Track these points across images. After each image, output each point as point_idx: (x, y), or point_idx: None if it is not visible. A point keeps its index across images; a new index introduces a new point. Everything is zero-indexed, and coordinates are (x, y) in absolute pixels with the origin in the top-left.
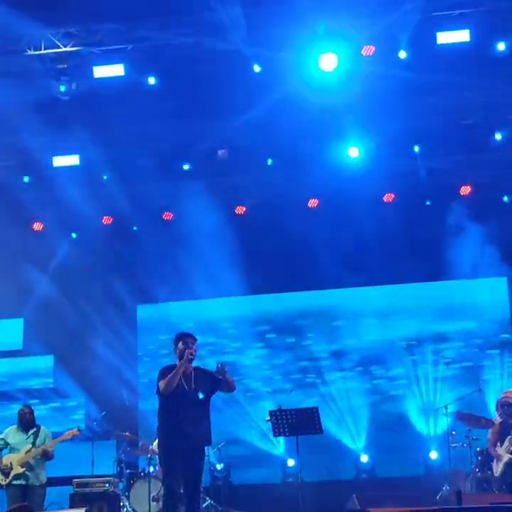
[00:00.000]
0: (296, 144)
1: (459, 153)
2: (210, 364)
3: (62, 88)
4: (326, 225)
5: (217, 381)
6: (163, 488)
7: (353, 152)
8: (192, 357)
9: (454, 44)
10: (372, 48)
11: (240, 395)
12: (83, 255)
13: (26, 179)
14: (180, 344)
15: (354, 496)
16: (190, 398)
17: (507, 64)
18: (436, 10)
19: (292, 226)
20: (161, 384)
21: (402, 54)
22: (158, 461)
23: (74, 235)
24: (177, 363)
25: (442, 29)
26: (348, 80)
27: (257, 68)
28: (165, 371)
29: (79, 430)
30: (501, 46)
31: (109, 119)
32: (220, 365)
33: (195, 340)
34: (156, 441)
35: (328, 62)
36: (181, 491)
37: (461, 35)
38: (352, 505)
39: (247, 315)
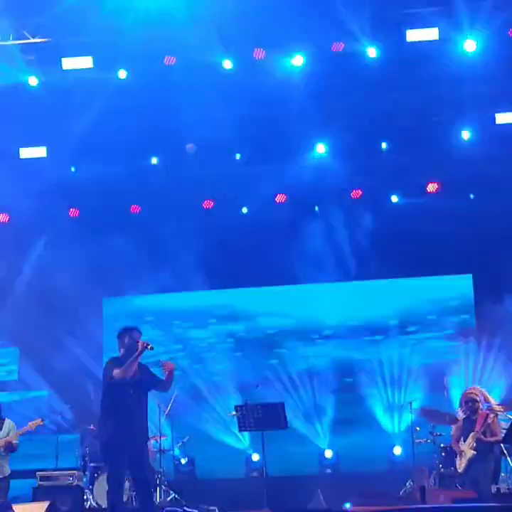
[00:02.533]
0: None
1: (428, 149)
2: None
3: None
4: (293, 220)
5: (155, 381)
6: (109, 480)
7: (320, 148)
8: (152, 349)
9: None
10: (342, 45)
11: (205, 390)
12: (49, 248)
13: None
14: (126, 338)
15: (319, 491)
16: (135, 388)
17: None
18: (406, 7)
19: (259, 221)
20: (118, 371)
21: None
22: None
23: (40, 228)
24: (120, 354)
25: (412, 27)
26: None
27: (227, 64)
28: (111, 361)
29: (42, 420)
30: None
31: (78, 111)
32: (164, 362)
33: (141, 333)
34: None
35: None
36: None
37: (430, 33)
38: (317, 500)
39: (213, 309)
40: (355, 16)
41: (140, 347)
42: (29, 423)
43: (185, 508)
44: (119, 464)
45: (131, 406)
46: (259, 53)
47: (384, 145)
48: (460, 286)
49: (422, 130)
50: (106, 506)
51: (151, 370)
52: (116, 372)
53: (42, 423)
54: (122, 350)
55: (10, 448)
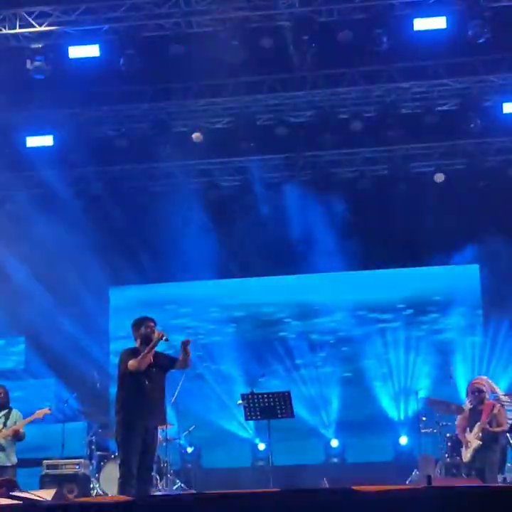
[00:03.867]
0: None
1: (434, 139)
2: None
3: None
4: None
5: (173, 360)
6: (121, 467)
7: None
8: (167, 340)
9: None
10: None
11: (212, 379)
12: (56, 237)
13: None
14: (142, 328)
15: (324, 480)
16: (152, 377)
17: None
18: None
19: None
20: (134, 362)
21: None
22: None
23: (47, 217)
24: (137, 345)
25: (419, 16)
26: None
27: None
28: (128, 352)
29: (50, 409)
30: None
31: (84, 99)
32: (184, 341)
33: (156, 323)
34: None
35: None
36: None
37: (438, 22)
38: None
39: (221, 299)
40: None
41: (156, 337)
42: (37, 411)
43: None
44: (134, 452)
45: (147, 396)
46: None
47: None
48: (467, 275)
49: None
50: (112, 494)
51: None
52: (131, 363)
53: (49, 412)
54: (138, 341)
55: (17, 437)
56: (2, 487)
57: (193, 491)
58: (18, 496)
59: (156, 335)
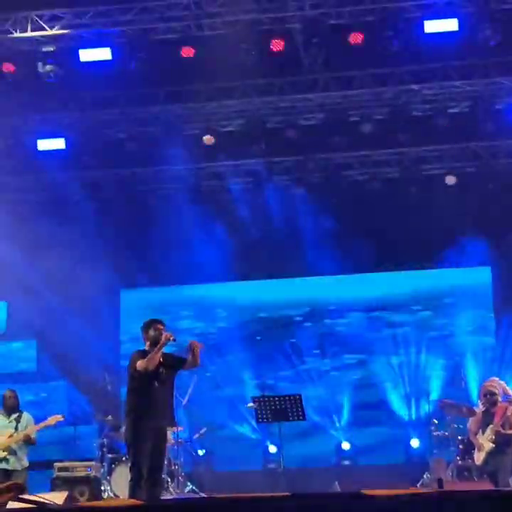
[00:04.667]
0: None
1: (445, 142)
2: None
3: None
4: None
5: (181, 361)
6: (132, 470)
7: None
8: (174, 340)
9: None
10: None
11: (223, 381)
12: (67, 239)
13: None
14: (151, 331)
15: (336, 482)
16: (161, 378)
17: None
18: None
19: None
20: (142, 363)
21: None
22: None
23: (58, 220)
24: (146, 347)
25: (429, 18)
26: None
27: None
28: (138, 354)
29: (63, 416)
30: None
31: (95, 102)
32: (191, 343)
33: (164, 325)
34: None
35: None
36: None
37: (449, 24)
38: (334, 491)
39: (232, 300)
40: None
41: (163, 339)
42: (49, 418)
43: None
44: (144, 454)
45: (155, 398)
46: None
47: None
48: (479, 277)
49: None
50: (123, 497)
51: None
52: (139, 363)
53: (62, 419)
54: (147, 343)
55: (28, 441)
56: (11, 491)
57: (203, 495)
58: (28, 500)
59: (164, 336)
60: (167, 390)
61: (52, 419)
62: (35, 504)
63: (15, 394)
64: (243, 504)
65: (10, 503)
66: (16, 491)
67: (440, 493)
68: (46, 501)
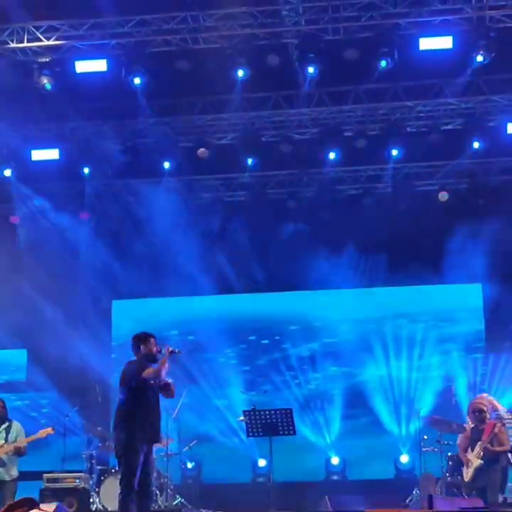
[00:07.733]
0: None
1: (437, 158)
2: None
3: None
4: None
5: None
6: (122, 482)
7: None
8: (180, 352)
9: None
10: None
11: (213, 394)
12: (59, 250)
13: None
14: (145, 344)
15: (326, 497)
16: (155, 392)
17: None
18: (419, 16)
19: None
20: (151, 372)
21: None
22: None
23: (51, 230)
24: (137, 360)
25: (425, 35)
26: None
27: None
28: (141, 363)
29: (53, 429)
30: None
31: (90, 113)
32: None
33: (156, 339)
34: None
35: None
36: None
37: (444, 42)
38: (324, 506)
39: (222, 314)
40: None
41: (167, 353)
42: (40, 431)
43: None
44: (135, 466)
45: (149, 409)
46: None
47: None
48: (470, 294)
49: None
50: (112, 509)
51: None
52: (147, 372)
53: (52, 432)
54: (138, 356)
55: (18, 453)
56: (24, 507)
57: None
58: None
59: (166, 351)
60: (158, 404)
61: (43, 432)
62: None
63: (3, 403)
64: None
65: None
66: (29, 505)
67: None
68: None
